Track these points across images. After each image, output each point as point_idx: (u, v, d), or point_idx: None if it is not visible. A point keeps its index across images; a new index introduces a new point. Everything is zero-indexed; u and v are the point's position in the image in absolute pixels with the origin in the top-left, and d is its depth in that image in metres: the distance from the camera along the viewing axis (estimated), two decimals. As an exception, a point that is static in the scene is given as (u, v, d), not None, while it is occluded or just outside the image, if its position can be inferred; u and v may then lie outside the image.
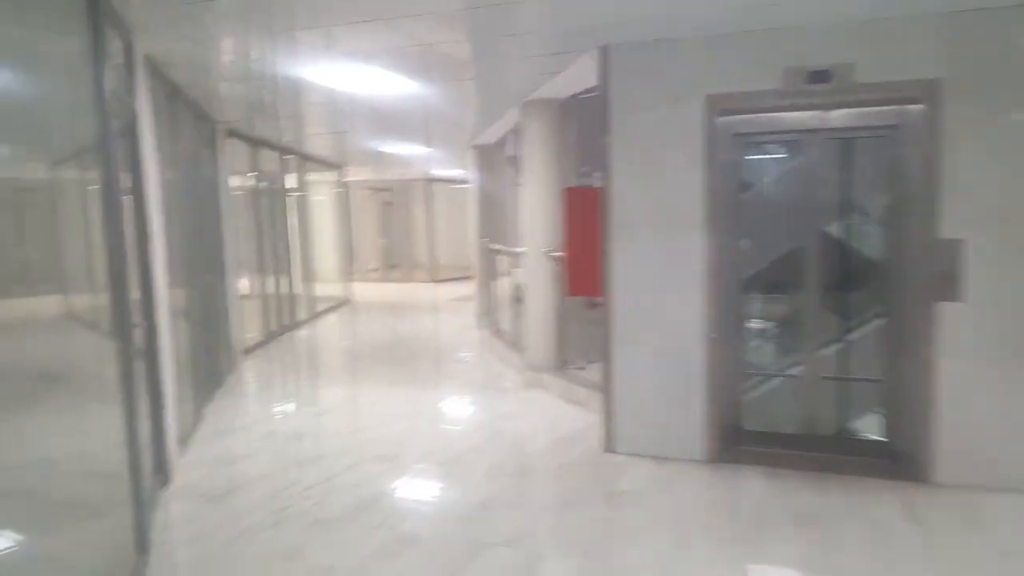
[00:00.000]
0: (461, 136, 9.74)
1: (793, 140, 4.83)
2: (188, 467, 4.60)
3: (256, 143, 9.17)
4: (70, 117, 3.19)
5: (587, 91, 6.37)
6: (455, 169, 15.94)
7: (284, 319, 10.10)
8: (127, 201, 4.03)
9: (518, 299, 8.07)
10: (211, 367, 6.62)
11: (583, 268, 5.20)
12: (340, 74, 5.52)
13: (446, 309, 13.13)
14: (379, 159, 13.15)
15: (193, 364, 5.63)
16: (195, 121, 6.64)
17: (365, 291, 16.02)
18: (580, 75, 5.57)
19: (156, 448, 4.14)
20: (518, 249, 7.79)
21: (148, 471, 3.84)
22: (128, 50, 4.12)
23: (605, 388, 4.92)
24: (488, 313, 10.15)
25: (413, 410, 6.05)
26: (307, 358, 8.85)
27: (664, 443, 4.76)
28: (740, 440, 4.74)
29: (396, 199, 18.94)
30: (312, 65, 5.25)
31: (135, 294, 4.04)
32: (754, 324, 5.35)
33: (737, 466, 4.56)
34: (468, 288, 16.49)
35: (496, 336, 8.82)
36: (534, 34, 4.59)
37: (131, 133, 4.05)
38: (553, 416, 5.80)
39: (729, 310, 4.69)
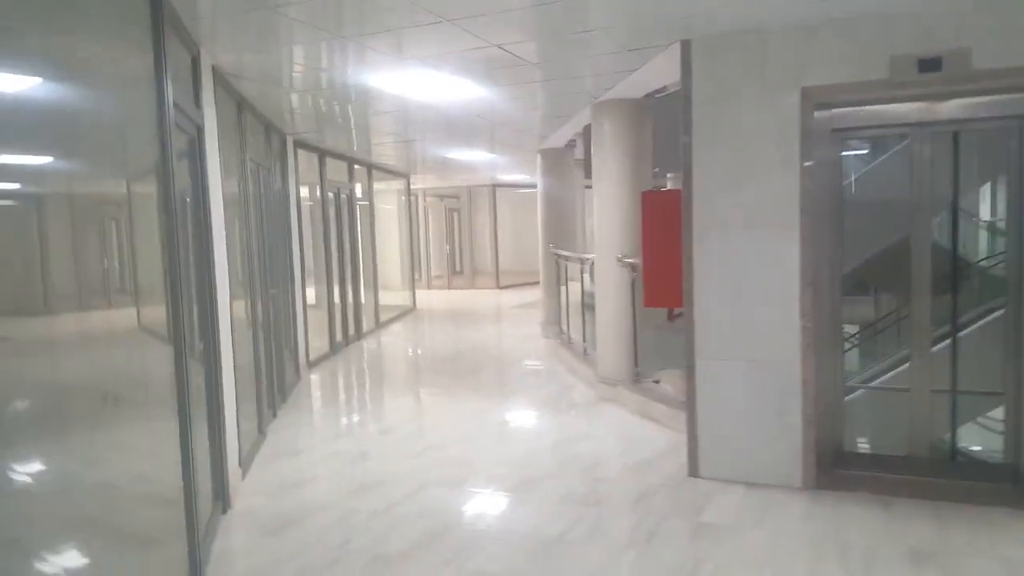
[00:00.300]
0: (528, 140, 9.50)
1: (898, 134, 4.39)
2: (248, 493, 4.46)
3: (324, 153, 9.16)
4: (130, 131, 3.08)
5: (658, 90, 6.04)
6: (521, 174, 15.74)
7: (350, 329, 10.07)
8: (190, 213, 3.94)
9: (588, 306, 7.76)
10: (276, 381, 6.55)
11: (662, 276, 4.86)
12: (408, 81, 5.36)
13: (511, 316, 12.93)
14: (445, 166, 13.06)
15: (257, 379, 5.54)
16: (264, 133, 6.61)
17: (429, 298, 15.98)
18: (658, 72, 5.24)
19: (215, 472, 4.01)
20: (587, 255, 7.49)
21: (206, 497, 3.70)
22: (195, 61, 4.03)
23: (688, 406, 4.56)
24: (555, 321, 9.86)
25: (479, 428, 5.82)
26: (372, 370, 8.75)
27: (756, 467, 4.36)
28: (842, 463, 4.30)
29: (461, 206, 18.90)
30: (380, 73, 5.10)
31: (197, 307, 3.94)
32: (851, 330, 4.89)
33: (839, 493, 4.13)
34: (532, 294, 16.26)
35: (564, 346, 8.52)
36: (610, 29, 4.29)
37: (196, 146, 3.94)
38: (630, 435, 5.46)
39: (826, 319, 4.27)
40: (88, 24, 2.73)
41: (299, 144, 8.21)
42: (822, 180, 4.19)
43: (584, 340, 7.76)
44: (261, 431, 5.53)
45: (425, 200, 18.94)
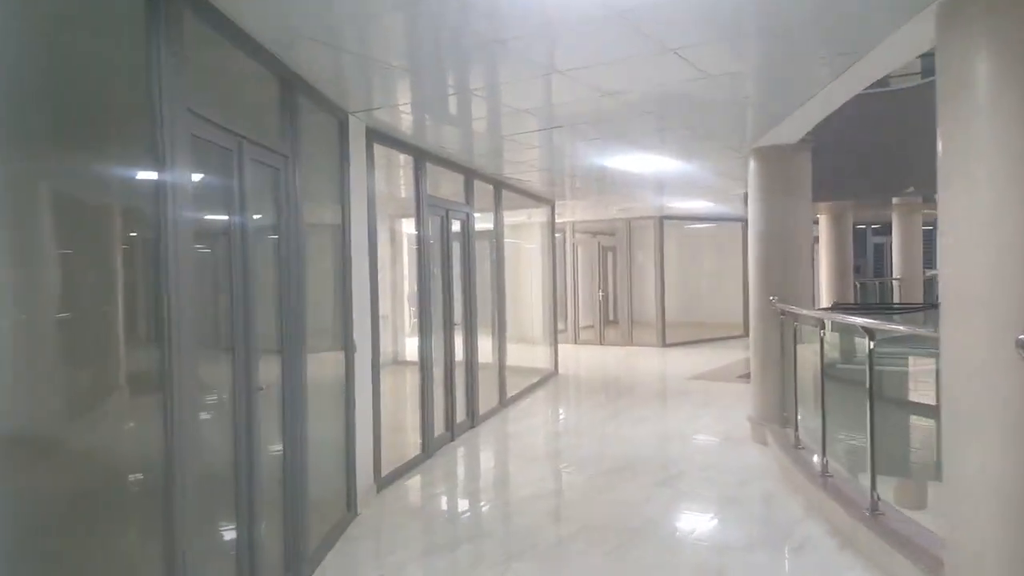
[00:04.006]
0: (731, 126, 5.97)
1: None
2: None
3: (424, 155, 6.18)
4: None
5: None
6: (699, 200, 12.14)
7: (457, 415, 6.89)
8: None
9: (888, 403, 4.11)
10: (273, 547, 3.44)
11: None
12: None
13: (690, 395, 9.17)
14: (600, 186, 9.76)
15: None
16: (279, 91, 3.66)
17: (576, 358, 12.61)
18: None
19: None
20: (918, 329, 3.90)
21: None
22: None
23: None
24: (778, 417, 6.14)
25: None
26: (474, 507, 5.38)
27: None
28: None
29: (618, 243, 15.47)
30: None
31: None
32: None
33: None
34: (710, 357, 12.45)
35: (805, 471, 4.81)
36: None
37: None
38: None
39: None
40: None
41: (377, 135, 5.25)
42: None
43: (875, 486, 4.01)
44: None
45: (574, 236, 15.74)
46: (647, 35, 3.47)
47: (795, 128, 5.82)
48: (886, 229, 17.02)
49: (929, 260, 18.74)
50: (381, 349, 5.36)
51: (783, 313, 5.99)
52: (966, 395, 2.91)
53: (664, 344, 14.41)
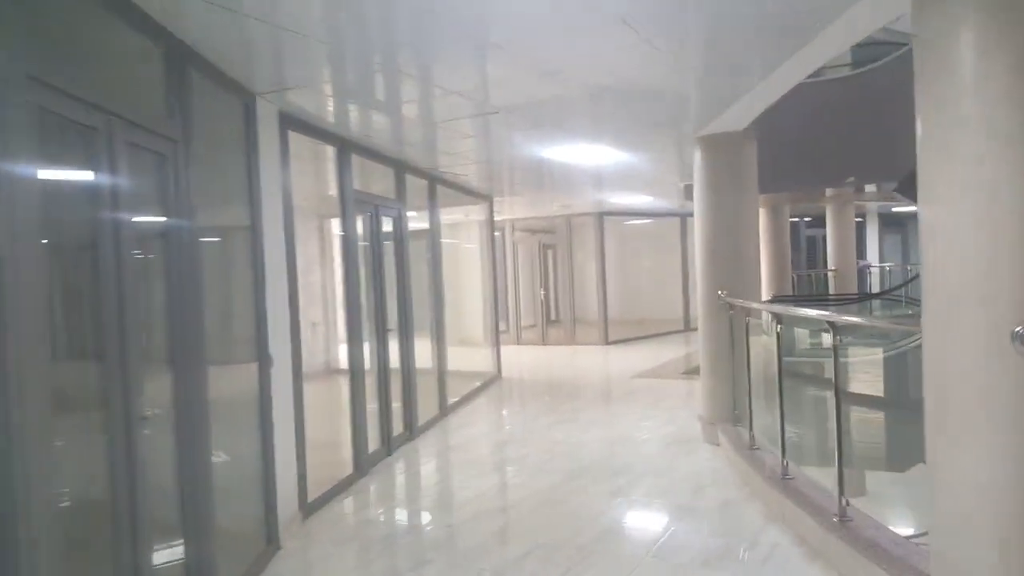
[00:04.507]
0: (679, 113, 5.69)
1: None
2: None
3: (348, 145, 5.67)
4: None
5: None
6: (638, 194, 11.93)
7: (394, 427, 6.39)
8: None
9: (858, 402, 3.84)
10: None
11: None
12: None
13: (637, 395, 8.89)
14: (539, 181, 9.40)
15: None
16: (164, 65, 3.12)
17: (519, 359, 12.23)
18: None
19: None
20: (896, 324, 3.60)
21: None
22: None
23: None
24: (729, 416, 5.91)
25: None
26: (411, 530, 4.93)
27: None
28: None
29: (558, 241, 15.17)
30: None
31: None
32: None
33: None
34: (654, 353, 12.29)
35: (758, 468, 4.55)
36: None
37: None
38: None
39: None
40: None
41: (291, 121, 4.71)
42: None
43: (843, 491, 3.74)
44: None
45: (513, 234, 15.37)
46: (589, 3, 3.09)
47: (743, 114, 5.56)
48: (819, 222, 17.27)
49: (862, 251, 19.21)
50: (313, 358, 4.85)
51: (732, 307, 5.74)
52: (956, 393, 2.63)
53: (607, 342, 14.21)
